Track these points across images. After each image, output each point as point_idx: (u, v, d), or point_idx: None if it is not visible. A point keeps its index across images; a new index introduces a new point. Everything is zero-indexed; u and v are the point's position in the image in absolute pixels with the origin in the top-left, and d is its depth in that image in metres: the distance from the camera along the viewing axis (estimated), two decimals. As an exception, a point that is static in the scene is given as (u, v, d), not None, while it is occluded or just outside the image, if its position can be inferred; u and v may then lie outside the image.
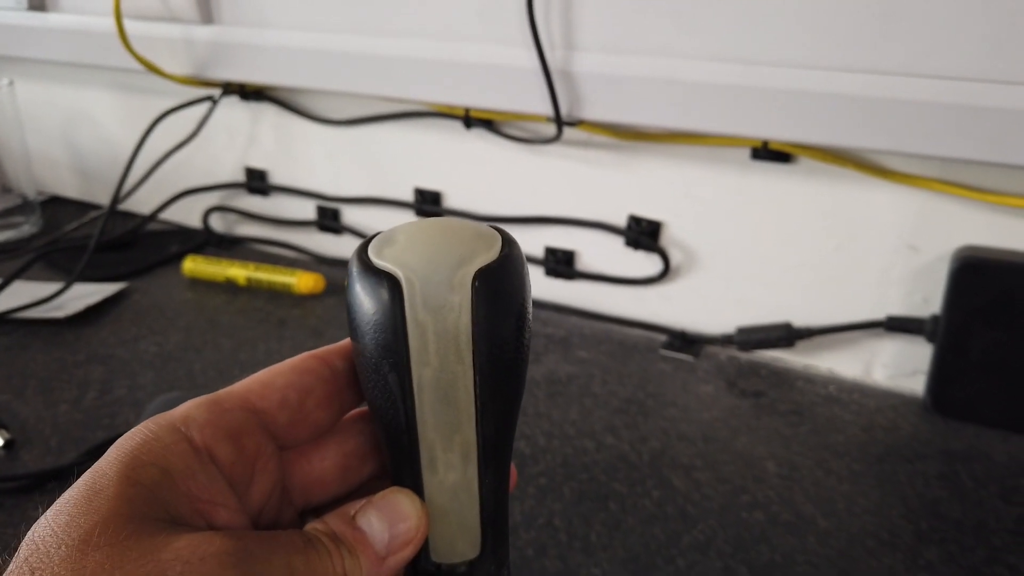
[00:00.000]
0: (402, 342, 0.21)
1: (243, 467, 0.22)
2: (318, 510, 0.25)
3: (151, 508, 0.19)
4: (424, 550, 0.24)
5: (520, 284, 0.22)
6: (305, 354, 0.24)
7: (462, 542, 0.24)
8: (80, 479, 0.20)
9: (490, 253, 0.22)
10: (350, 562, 0.21)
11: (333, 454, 0.25)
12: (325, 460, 0.25)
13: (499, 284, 0.22)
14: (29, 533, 0.19)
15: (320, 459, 0.25)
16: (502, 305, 0.22)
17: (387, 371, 0.22)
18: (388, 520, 0.22)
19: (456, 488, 0.23)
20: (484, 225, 0.24)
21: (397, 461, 0.23)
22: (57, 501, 0.19)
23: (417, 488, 0.23)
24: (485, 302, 0.21)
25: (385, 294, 0.21)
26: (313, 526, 0.22)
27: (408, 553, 0.22)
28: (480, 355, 0.22)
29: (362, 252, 0.23)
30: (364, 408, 0.26)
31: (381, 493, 0.23)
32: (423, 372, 0.22)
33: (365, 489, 0.26)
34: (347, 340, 0.24)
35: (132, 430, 0.21)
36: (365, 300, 0.22)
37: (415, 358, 0.22)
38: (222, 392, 0.22)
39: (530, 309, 0.23)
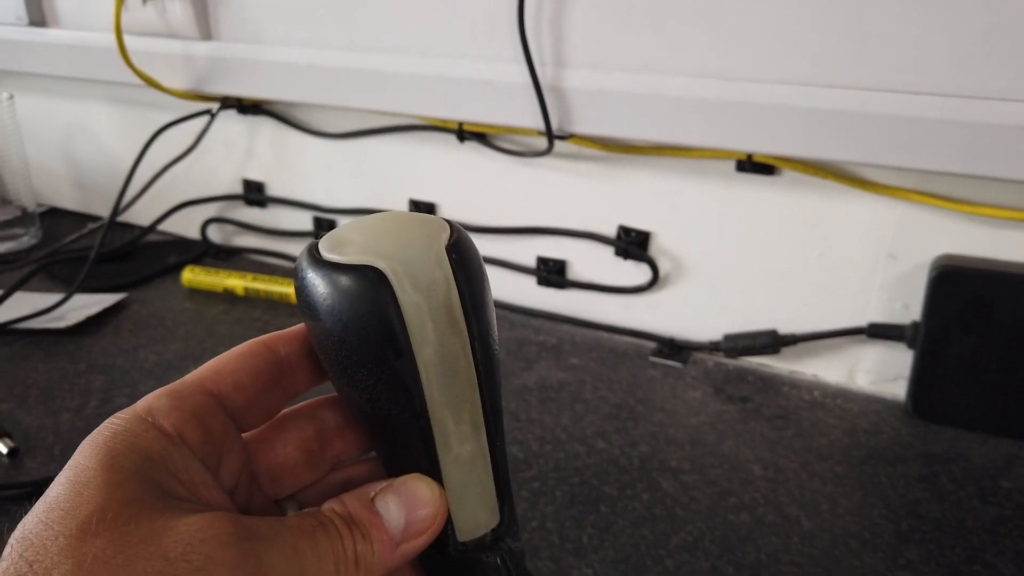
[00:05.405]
0: (400, 327, 0.21)
1: (212, 447, 0.22)
2: (295, 498, 0.25)
3: (144, 489, 0.19)
4: (451, 537, 0.24)
5: (478, 252, 0.24)
6: (251, 340, 0.24)
7: (484, 511, 0.24)
8: (59, 477, 0.19)
9: (445, 232, 0.23)
10: (363, 546, 0.21)
11: (295, 439, 0.25)
12: (288, 446, 0.25)
13: (469, 254, 0.23)
14: (17, 530, 0.18)
15: (283, 445, 0.25)
16: (476, 272, 0.23)
17: (393, 360, 0.22)
18: (406, 506, 0.22)
19: (473, 458, 0.24)
20: (419, 213, 0.25)
21: (406, 450, 0.23)
22: (40, 500, 0.19)
23: (433, 472, 0.23)
24: (464, 272, 0.23)
25: (374, 287, 0.21)
26: (330, 506, 0.22)
27: (422, 542, 0.22)
28: (471, 322, 0.23)
29: (319, 258, 0.22)
30: (320, 398, 0.26)
31: (402, 478, 0.23)
32: (424, 351, 0.22)
33: (338, 476, 0.26)
34: (293, 328, 0.25)
35: (97, 428, 0.20)
36: (352, 298, 0.21)
37: (416, 339, 0.22)
38: (176, 383, 0.22)
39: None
